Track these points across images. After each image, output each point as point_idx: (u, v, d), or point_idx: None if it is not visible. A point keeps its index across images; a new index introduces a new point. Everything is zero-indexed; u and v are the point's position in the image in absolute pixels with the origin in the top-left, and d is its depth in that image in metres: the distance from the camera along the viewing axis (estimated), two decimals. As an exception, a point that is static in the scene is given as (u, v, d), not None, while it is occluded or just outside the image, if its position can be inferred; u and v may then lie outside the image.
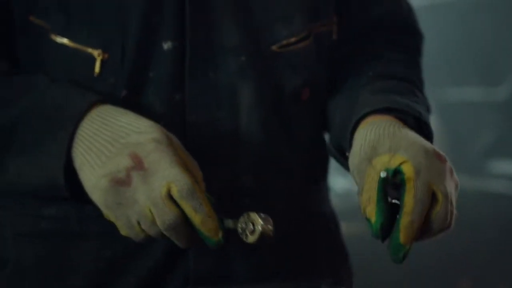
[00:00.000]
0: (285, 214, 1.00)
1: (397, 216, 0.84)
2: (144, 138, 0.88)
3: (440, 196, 0.84)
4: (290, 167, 1.02)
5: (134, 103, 0.95)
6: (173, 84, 0.96)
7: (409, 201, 0.84)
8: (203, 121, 0.99)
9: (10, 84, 0.97)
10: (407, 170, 0.85)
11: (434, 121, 1.13)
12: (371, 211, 0.85)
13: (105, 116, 0.91)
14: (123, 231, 0.87)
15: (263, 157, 1.03)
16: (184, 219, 0.85)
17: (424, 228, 0.85)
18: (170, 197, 0.85)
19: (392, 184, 0.87)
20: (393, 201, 0.86)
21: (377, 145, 0.89)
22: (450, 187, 0.86)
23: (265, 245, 0.85)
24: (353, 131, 0.94)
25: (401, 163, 0.85)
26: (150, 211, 0.85)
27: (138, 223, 0.86)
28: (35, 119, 0.93)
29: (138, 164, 0.86)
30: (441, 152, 0.88)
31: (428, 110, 1.05)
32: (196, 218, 0.84)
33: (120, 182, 0.86)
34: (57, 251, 1.01)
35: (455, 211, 0.88)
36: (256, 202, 1.02)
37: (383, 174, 0.85)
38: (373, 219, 0.85)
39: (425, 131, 0.95)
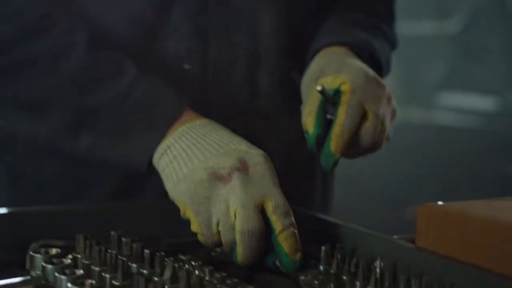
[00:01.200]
0: (294, 136, 1.07)
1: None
2: (254, 151, 0.90)
3: (370, 115, 0.94)
4: (296, 86, 1.08)
5: (163, 21, 1.03)
6: (198, 7, 1.05)
7: (342, 114, 0.94)
8: (224, 44, 1.07)
9: (99, 63, 0.99)
10: (344, 88, 0.95)
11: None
12: (310, 123, 0.95)
13: (211, 124, 0.94)
14: (197, 228, 0.87)
15: (277, 80, 1.12)
16: (264, 234, 0.85)
17: (353, 142, 0.95)
18: (261, 210, 0.86)
19: (332, 102, 0.97)
20: (331, 117, 0.96)
21: (325, 68, 0.99)
22: (384, 110, 0.97)
23: None
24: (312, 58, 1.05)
25: (341, 83, 0.95)
26: (235, 213, 0.85)
27: (217, 223, 0.86)
28: (122, 110, 0.97)
29: (244, 167, 0.87)
30: (382, 81, 0.98)
31: (392, 45, 1.13)
32: (281, 234, 0.84)
33: (219, 177, 0.87)
34: (76, 163, 1.04)
35: (388, 135, 0.99)
36: (268, 124, 1.11)
37: (319, 88, 0.94)
38: (310, 130, 0.94)
39: (377, 66, 1.01)
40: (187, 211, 0.88)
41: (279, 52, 1.11)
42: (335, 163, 0.94)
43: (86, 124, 0.98)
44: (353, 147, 0.96)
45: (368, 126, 0.95)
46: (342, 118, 0.94)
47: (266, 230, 0.86)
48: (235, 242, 0.86)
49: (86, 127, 0.98)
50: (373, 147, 0.98)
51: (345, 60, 0.99)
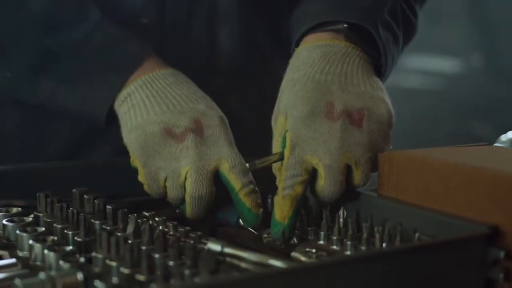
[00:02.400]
0: (258, 95, 1.04)
1: None
2: (212, 112, 0.89)
3: (321, 170, 0.81)
4: (263, 49, 1.03)
5: None
6: None
7: (282, 178, 0.83)
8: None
9: (63, 4, 0.96)
10: (287, 142, 0.84)
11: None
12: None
13: (174, 76, 0.92)
14: (143, 179, 0.88)
15: (239, 41, 1.08)
16: (213, 197, 0.85)
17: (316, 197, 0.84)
18: (214, 172, 0.85)
19: None
20: None
21: (281, 99, 0.86)
22: (351, 154, 0.82)
23: None
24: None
25: (286, 131, 0.85)
26: (186, 175, 0.85)
27: (165, 179, 0.86)
28: (83, 54, 0.95)
29: (198, 129, 0.87)
30: (338, 108, 0.82)
31: (412, 32, 1.03)
32: (241, 192, 0.84)
33: (172, 135, 0.86)
34: (36, 117, 1.03)
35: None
36: (229, 85, 1.08)
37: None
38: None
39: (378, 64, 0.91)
40: (135, 160, 0.88)
41: (240, 9, 1.08)
42: (284, 230, 0.80)
43: (47, 68, 0.96)
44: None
45: (323, 185, 0.82)
46: (281, 183, 0.82)
47: (215, 192, 0.86)
48: (182, 199, 0.86)
49: (47, 71, 0.96)
50: (348, 191, 0.84)
51: (296, 87, 0.85)
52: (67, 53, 0.95)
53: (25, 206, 0.87)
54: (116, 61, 0.93)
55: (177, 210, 0.93)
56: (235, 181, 0.85)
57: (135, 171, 0.91)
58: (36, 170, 0.96)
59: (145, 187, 0.89)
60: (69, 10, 0.97)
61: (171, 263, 0.70)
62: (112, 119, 0.94)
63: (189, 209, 0.86)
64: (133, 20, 1.03)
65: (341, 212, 0.84)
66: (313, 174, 0.83)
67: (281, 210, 0.81)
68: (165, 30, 1.05)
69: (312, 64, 0.87)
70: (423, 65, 3.54)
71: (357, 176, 0.83)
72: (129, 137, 0.89)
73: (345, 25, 0.90)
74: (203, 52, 1.07)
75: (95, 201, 0.85)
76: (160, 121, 0.87)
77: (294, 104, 0.84)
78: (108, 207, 0.83)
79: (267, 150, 0.89)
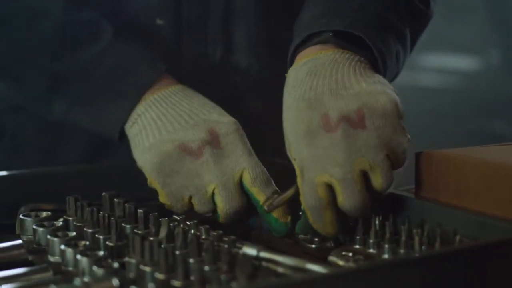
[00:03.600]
0: (276, 93, 1.01)
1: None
2: (225, 119, 0.87)
3: (335, 185, 0.76)
4: (281, 47, 1.00)
5: None
6: None
7: (305, 206, 0.79)
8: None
9: (75, 25, 0.95)
10: (296, 170, 0.80)
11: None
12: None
13: (183, 91, 0.90)
14: (165, 200, 0.85)
15: (256, 37, 1.06)
16: (245, 207, 0.84)
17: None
18: (239, 184, 0.84)
19: None
20: None
21: (284, 130, 0.82)
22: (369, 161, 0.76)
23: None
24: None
25: (295, 159, 0.80)
26: (213, 191, 0.83)
27: (190, 198, 0.85)
28: (94, 77, 0.93)
29: (214, 140, 0.85)
30: (334, 117, 0.77)
31: (422, 26, 1.02)
32: (266, 203, 0.83)
33: (188, 151, 0.84)
34: (53, 123, 1.02)
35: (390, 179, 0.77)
36: (247, 81, 1.06)
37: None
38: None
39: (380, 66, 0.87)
40: (153, 182, 0.86)
41: (256, 7, 1.06)
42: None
43: (60, 89, 0.95)
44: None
45: (342, 201, 0.76)
46: (308, 212, 0.78)
47: (247, 200, 0.84)
48: (212, 211, 0.85)
49: (60, 92, 0.95)
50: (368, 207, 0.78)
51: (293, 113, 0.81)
52: (77, 76, 0.94)
53: (54, 210, 0.86)
54: (126, 85, 0.91)
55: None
56: (259, 194, 0.83)
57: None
58: (64, 174, 0.95)
59: (167, 207, 0.86)
60: (80, 31, 0.95)
61: (206, 268, 0.68)
62: (125, 137, 0.93)
63: (223, 220, 0.85)
64: (149, 21, 1.01)
65: (376, 215, 0.82)
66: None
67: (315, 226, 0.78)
68: (182, 30, 1.03)
69: (300, 84, 0.81)
70: (440, 63, 3.52)
71: (377, 180, 0.76)
72: (143, 158, 0.86)
73: (331, 34, 0.84)
74: (220, 51, 1.05)
75: (126, 204, 0.83)
76: (174, 139, 0.85)
77: (291, 130, 0.80)
78: (139, 210, 0.81)
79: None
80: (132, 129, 0.90)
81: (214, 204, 0.84)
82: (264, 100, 1.10)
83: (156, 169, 0.84)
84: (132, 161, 1.00)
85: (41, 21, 0.95)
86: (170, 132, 0.86)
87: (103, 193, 0.85)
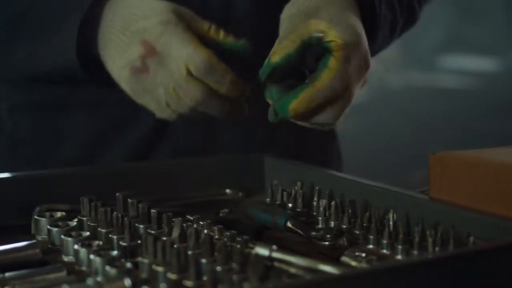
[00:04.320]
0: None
1: (305, 82, 0.82)
2: (151, 23, 0.88)
3: (347, 94, 0.82)
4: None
5: None
6: None
7: (324, 79, 0.80)
8: None
9: None
10: (337, 52, 0.81)
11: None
12: (277, 53, 0.82)
13: (119, 3, 0.91)
14: (158, 114, 0.91)
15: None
16: (210, 91, 0.86)
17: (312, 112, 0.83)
18: (191, 74, 0.86)
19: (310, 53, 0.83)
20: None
21: (322, 9, 0.84)
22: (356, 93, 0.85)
23: None
24: None
25: (333, 42, 0.81)
26: (174, 91, 0.87)
27: (167, 104, 0.88)
28: (44, 7, 0.95)
29: (150, 50, 0.87)
30: (369, 60, 0.85)
31: (411, 22, 1.08)
32: (221, 89, 0.86)
33: (138, 71, 0.88)
34: (49, 121, 1.04)
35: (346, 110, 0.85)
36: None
37: (316, 35, 0.82)
38: (274, 58, 0.82)
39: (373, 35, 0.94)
40: (142, 104, 0.91)
41: None
42: (282, 119, 0.83)
43: (21, 29, 0.97)
44: (308, 117, 0.84)
45: (337, 105, 0.82)
46: (323, 83, 0.80)
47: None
48: (194, 110, 0.88)
49: (21, 34, 0.97)
50: (326, 126, 0.87)
51: (345, 12, 0.85)
52: (36, 9, 0.96)
53: (69, 210, 0.86)
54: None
55: (221, 213, 0.92)
56: (212, 83, 0.86)
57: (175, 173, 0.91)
58: (78, 174, 0.95)
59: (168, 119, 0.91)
60: None
61: (218, 268, 0.68)
62: (93, 67, 0.94)
63: (210, 114, 0.89)
64: None
65: (390, 215, 0.81)
66: None
67: (300, 105, 0.81)
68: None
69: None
70: (459, 64, 3.50)
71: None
72: (121, 86, 0.91)
73: None
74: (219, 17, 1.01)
75: (139, 204, 0.83)
76: (124, 64, 0.89)
77: (348, 29, 0.83)
78: (152, 210, 0.82)
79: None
80: (100, 52, 0.92)
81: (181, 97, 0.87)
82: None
83: (133, 94, 0.90)
84: (123, 159, 1.03)
85: None
86: (118, 57, 0.89)
87: (117, 194, 0.86)
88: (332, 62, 0.81)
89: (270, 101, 0.86)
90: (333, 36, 0.82)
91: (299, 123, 0.86)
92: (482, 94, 3.36)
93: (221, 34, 0.90)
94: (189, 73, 0.86)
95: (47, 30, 0.95)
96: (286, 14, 0.88)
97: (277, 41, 0.84)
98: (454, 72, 3.48)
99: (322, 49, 0.83)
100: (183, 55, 0.86)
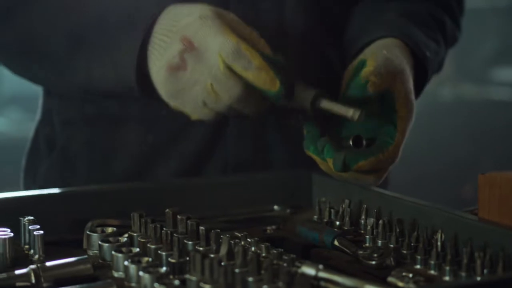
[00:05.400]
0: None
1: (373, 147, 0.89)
2: (191, 19, 0.89)
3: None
4: (330, 60, 1.03)
5: None
6: None
7: (391, 151, 0.89)
8: (247, 11, 1.02)
9: None
10: (401, 128, 0.90)
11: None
12: (376, 88, 0.88)
13: (169, 11, 0.93)
14: (195, 116, 0.91)
15: (304, 47, 1.07)
16: (247, 86, 0.87)
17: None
18: (229, 69, 0.86)
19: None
20: None
21: (402, 64, 0.92)
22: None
23: None
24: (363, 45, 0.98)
25: (401, 111, 0.90)
26: (212, 88, 0.87)
27: (204, 103, 0.89)
28: (105, 25, 0.96)
29: (189, 45, 0.88)
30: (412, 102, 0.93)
31: (452, 42, 1.12)
32: (248, 75, 0.86)
33: (176, 68, 0.89)
34: (101, 135, 1.06)
35: None
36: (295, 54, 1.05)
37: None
38: (372, 89, 0.88)
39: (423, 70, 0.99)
40: (178, 107, 0.91)
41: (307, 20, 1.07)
42: (345, 171, 0.87)
43: (80, 49, 0.98)
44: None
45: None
46: (389, 155, 0.89)
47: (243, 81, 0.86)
48: (231, 107, 0.88)
49: (80, 53, 0.98)
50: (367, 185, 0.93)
51: (411, 77, 0.94)
52: (92, 29, 0.97)
53: (120, 225, 0.88)
54: (133, 22, 0.94)
55: (268, 230, 0.92)
56: (240, 71, 0.85)
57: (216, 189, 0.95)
58: (131, 189, 0.97)
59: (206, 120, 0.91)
60: None
61: (265, 287, 0.68)
62: (148, 90, 0.95)
63: (246, 113, 0.89)
64: None
65: (438, 235, 0.81)
66: None
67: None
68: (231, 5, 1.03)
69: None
70: (512, 76, 3.44)
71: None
72: (160, 93, 0.92)
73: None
74: (271, 30, 1.05)
75: (188, 221, 0.85)
76: (162, 64, 0.89)
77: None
78: (201, 228, 0.83)
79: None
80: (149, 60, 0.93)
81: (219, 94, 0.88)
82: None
83: (170, 97, 0.90)
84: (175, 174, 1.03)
85: None
86: (159, 59, 0.90)
87: (166, 210, 0.87)
88: (398, 139, 0.90)
89: (310, 153, 0.91)
90: (402, 109, 0.90)
91: (344, 174, 0.89)
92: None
93: (262, 41, 0.90)
94: (226, 67, 0.86)
95: (106, 48, 0.96)
96: (373, 51, 0.94)
97: (367, 70, 0.89)
98: (508, 84, 3.42)
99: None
100: (216, 45, 0.86)
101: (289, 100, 0.87)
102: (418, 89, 1.00)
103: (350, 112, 0.85)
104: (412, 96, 0.93)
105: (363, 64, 0.91)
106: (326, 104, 0.88)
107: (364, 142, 0.91)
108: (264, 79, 0.85)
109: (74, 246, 0.85)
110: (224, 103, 0.88)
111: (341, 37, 1.08)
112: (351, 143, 0.90)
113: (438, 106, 3.36)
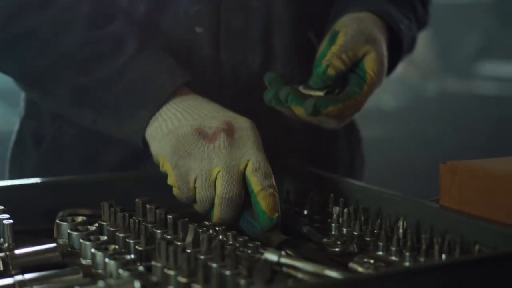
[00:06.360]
0: None
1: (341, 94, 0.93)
2: (244, 118, 0.91)
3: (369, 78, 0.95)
4: (314, 50, 1.04)
5: None
6: None
7: (358, 100, 0.93)
8: (236, 6, 1.05)
9: (98, 41, 0.98)
10: (370, 82, 0.94)
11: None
12: (334, 70, 0.93)
13: (201, 98, 0.94)
14: (173, 181, 0.88)
15: (291, 43, 1.10)
16: (242, 201, 0.87)
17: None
18: (243, 175, 0.87)
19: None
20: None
21: (372, 34, 0.97)
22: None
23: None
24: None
25: (370, 72, 0.95)
26: (217, 175, 0.86)
27: (195, 179, 0.87)
28: (118, 87, 0.96)
29: (229, 129, 0.89)
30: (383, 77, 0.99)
31: (422, 25, 1.12)
32: (261, 193, 0.85)
33: (203, 135, 0.88)
34: (94, 130, 1.05)
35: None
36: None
37: (362, 66, 0.94)
38: (331, 72, 0.93)
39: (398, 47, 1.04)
40: (165, 163, 0.88)
41: (293, 14, 1.10)
42: (314, 115, 0.91)
43: (86, 101, 0.98)
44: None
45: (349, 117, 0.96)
46: (355, 103, 0.93)
47: (245, 195, 0.86)
48: (210, 202, 0.87)
49: (86, 104, 0.98)
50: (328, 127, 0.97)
51: (384, 44, 0.98)
52: (101, 89, 0.96)
53: (90, 215, 0.89)
54: (144, 97, 0.94)
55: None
56: (256, 183, 0.86)
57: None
58: (104, 180, 0.98)
59: (175, 190, 0.89)
60: (104, 46, 0.97)
61: (227, 272, 0.70)
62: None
63: (216, 212, 0.87)
64: (187, 30, 1.04)
65: (400, 223, 0.83)
66: None
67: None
68: (221, 39, 1.06)
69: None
70: (498, 71, 3.46)
71: None
72: (160, 144, 0.90)
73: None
74: (259, 60, 1.08)
75: (157, 210, 0.86)
76: (191, 124, 0.89)
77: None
78: (169, 216, 0.84)
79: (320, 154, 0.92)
80: (152, 126, 0.93)
81: (215, 190, 0.86)
82: None
83: (172, 150, 0.87)
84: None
85: (66, 35, 0.98)
86: (189, 120, 0.90)
87: (136, 199, 0.89)
88: (366, 90, 0.94)
89: (270, 103, 0.94)
90: (372, 66, 0.95)
91: (309, 118, 0.93)
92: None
93: None
94: (243, 172, 0.87)
95: (115, 109, 0.96)
96: (345, 24, 0.97)
97: (334, 49, 0.94)
98: (492, 78, 3.44)
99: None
100: (252, 154, 0.87)
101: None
102: (393, 64, 1.05)
103: None
104: (384, 60, 0.97)
105: (335, 35, 0.96)
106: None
107: (335, 92, 0.95)
108: (268, 204, 0.85)
109: (45, 235, 0.87)
110: (212, 192, 0.87)
111: (324, 25, 1.10)
112: (322, 94, 0.94)
113: (423, 100, 3.38)
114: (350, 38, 0.95)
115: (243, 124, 0.89)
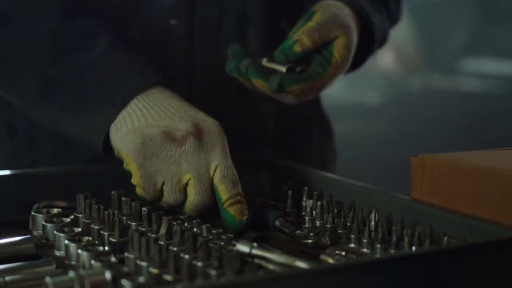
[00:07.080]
0: None
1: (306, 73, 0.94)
2: (211, 120, 0.90)
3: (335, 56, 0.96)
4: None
5: None
6: None
7: (322, 82, 0.95)
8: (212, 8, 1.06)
9: (71, 32, 0.97)
10: (336, 65, 0.95)
11: (407, 22, 1.19)
12: (301, 48, 0.94)
13: (170, 93, 0.93)
14: (138, 182, 0.87)
15: (266, 35, 1.11)
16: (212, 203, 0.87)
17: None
18: (211, 180, 0.87)
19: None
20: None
21: (344, 21, 0.97)
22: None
23: None
24: None
25: (336, 55, 0.96)
26: (188, 182, 0.86)
27: (163, 183, 0.87)
28: (86, 82, 0.95)
29: (198, 133, 0.88)
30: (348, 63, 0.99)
31: (394, 20, 1.15)
32: (228, 202, 0.86)
33: (172, 138, 0.87)
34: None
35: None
36: None
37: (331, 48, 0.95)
38: (297, 48, 0.94)
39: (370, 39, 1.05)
40: (130, 162, 0.87)
41: (266, 6, 1.10)
42: (277, 91, 0.92)
43: (52, 95, 0.97)
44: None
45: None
46: (319, 84, 0.94)
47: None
48: (179, 204, 0.87)
49: (51, 98, 0.97)
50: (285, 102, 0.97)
51: (354, 31, 0.99)
52: (69, 82, 0.96)
53: (66, 207, 0.90)
54: (113, 92, 0.93)
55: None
56: (223, 192, 0.86)
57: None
58: (80, 172, 0.99)
59: (138, 190, 0.88)
60: (76, 36, 0.97)
61: (199, 264, 0.71)
62: (111, 149, 0.94)
63: (189, 212, 0.87)
64: (162, 21, 1.04)
65: (372, 215, 0.84)
66: None
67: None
68: (195, 31, 1.06)
69: None
70: (482, 67, 3.48)
71: None
72: (125, 140, 0.88)
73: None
74: (235, 20, 1.08)
75: (132, 203, 0.87)
76: (159, 125, 0.88)
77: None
78: (143, 209, 0.85)
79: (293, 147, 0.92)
80: (115, 122, 0.91)
81: (185, 195, 0.87)
82: (272, 100, 1.12)
83: (137, 149, 0.86)
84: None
85: (37, 25, 0.97)
86: (156, 119, 0.89)
87: (112, 192, 0.89)
88: (330, 72, 0.95)
89: (232, 73, 0.95)
90: (339, 50, 0.95)
91: (270, 92, 0.94)
92: (504, 97, 3.34)
93: None
94: (211, 180, 0.87)
95: (79, 109, 0.95)
96: (324, 6, 0.99)
97: (309, 26, 0.95)
98: (476, 75, 3.46)
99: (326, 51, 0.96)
100: (221, 160, 0.87)
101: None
102: (362, 57, 1.06)
103: None
104: (352, 49, 0.98)
105: (312, 13, 0.97)
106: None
107: (298, 69, 0.95)
108: (236, 210, 0.86)
109: (20, 227, 0.87)
110: (181, 197, 0.87)
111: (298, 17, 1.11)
112: (284, 70, 0.94)
113: (407, 96, 3.40)
114: (326, 19, 0.96)
115: (211, 127, 0.89)
